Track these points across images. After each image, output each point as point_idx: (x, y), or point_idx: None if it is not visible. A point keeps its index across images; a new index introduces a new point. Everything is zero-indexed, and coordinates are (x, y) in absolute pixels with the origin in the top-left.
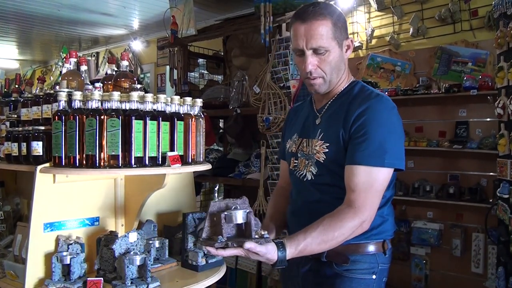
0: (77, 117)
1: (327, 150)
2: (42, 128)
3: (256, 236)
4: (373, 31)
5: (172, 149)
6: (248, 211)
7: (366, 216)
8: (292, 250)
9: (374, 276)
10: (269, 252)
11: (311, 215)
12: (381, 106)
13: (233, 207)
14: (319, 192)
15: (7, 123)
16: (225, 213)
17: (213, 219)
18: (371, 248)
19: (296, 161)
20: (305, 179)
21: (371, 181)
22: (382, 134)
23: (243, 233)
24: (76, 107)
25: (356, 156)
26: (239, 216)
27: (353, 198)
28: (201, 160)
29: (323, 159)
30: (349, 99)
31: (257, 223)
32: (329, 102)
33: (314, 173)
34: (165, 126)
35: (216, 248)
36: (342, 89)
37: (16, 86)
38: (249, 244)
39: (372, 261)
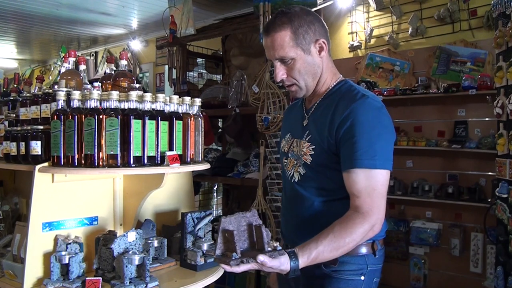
0: (76, 116)
1: (313, 152)
2: (41, 127)
3: (269, 249)
4: (372, 30)
5: (171, 149)
6: (259, 223)
7: (375, 219)
8: (305, 259)
9: (362, 277)
10: (282, 264)
11: (297, 215)
12: (366, 108)
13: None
14: (305, 193)
15: (6, 123)
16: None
17: (225, 235)
18: (361, 249)
19: (286, 161)
20: (292, 180)
21: (373, 185)
22: (370, 136)
23: (255, 245)
24: (74, 106)
25: (350, 160)
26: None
27: (358, 203)
28: (200, 159)
29: (310, 161)
30: (336, 100)
31: (268, 233)
32: (316, 103)
33: (302, 174)
34: (163, 125)
35: (231, 265)
36: (329, 88)
37: (15, 85)
38: (262, 257)
39: (361, 262)
